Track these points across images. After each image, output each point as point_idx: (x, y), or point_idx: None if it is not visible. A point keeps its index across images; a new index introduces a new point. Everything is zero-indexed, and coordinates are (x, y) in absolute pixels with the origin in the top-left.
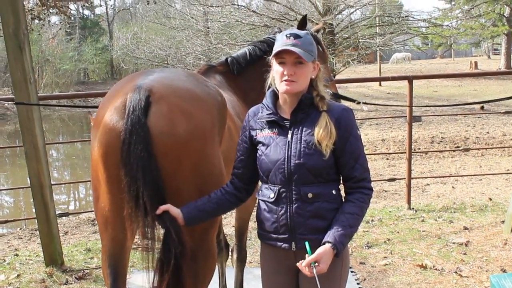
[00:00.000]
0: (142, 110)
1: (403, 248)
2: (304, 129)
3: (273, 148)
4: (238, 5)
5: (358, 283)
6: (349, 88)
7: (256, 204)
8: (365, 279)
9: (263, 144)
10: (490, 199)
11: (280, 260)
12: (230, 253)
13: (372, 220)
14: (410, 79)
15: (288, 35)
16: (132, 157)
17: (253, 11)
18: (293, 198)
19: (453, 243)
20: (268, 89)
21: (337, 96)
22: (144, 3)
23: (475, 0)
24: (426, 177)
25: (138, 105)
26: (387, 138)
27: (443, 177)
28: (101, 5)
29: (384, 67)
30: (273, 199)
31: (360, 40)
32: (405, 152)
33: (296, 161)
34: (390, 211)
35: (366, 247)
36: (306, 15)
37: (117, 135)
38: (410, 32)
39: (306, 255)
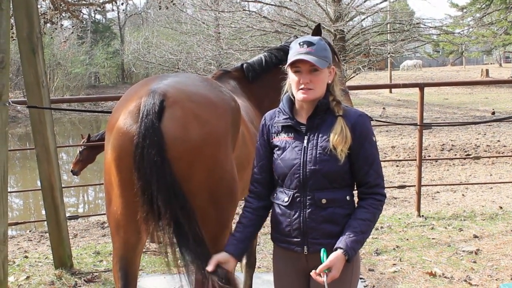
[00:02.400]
0: (156, 115)
1: (412, 255)
2: (320, 135)
3: (289, 152)
4: (249, 10)
5: None
6: (360, 94)
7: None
8: (374, 286)
9: (279, 148)
10: (501, 207)
11: (293, 263)
12: None
13: (382, 227)
14: (421, 86)
15: (301, 43)
16: (146, 161)
17: (264, 17)
18: (307, 203)
19: (463, 251)
20: (285, 94)
21: None
22: (156, 8)
23: (487, 8)
24: (436, 185)
25: (152, 109)
26: (397, 145)
27: (453, 184)
28: (113, 10)
29: (395, 74)
30: (287, 203)
31: (371, 47)
32: (415, 159)
33: (312, 167)
34: (399, 218)
35: (375, 254)
36: (319, 24)
37: (131, 139)
38: (421, 40)
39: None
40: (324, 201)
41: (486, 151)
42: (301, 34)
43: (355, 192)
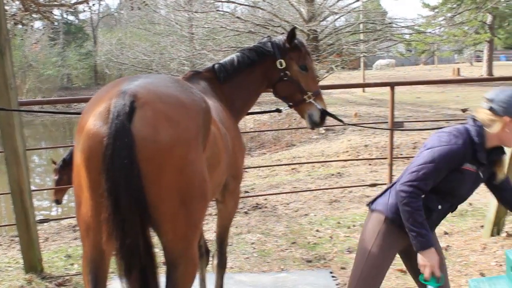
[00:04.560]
0: (127, 116)
1: None
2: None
3: (469, 180)
4: (222, 11)
5: None
6: (333, 94)
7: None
8: (345, 284)
9: (460, 174)
10: (470, 204)
11: (403, 242)
12: (210, 259)
13: (354, 225)
14: (392, 85)
15: None
16: (115, 162)
17: (237, 17)
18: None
19: None
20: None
21: (325, 113)
22: (128, 8)
23: (458, 7)
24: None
25: (123, 110)
26: (370, 144)
27: None
28: (84, 11)
29: (368, 74)
30: (439, 209)
31: (344, 47)
32: (387, 158)
33: (470, 194)
34: None
35: (347, 252)
36: (294, 27)
37: (100, 141)
38: (394, 39)
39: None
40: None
41: None
42: (274, 34)
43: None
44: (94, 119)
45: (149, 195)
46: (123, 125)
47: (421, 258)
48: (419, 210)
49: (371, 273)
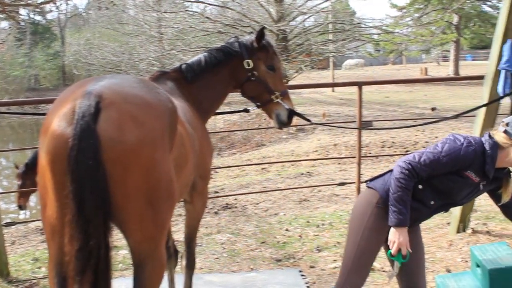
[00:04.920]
0: (92, 116)
1: None
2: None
3: (465, 187)
4: (192, 11)
5: (308, 287)
6: (303, 94)
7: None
8: (315, 283)
9: (461, 178)
10: None
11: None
12: (179, 260)
13: (323, 224)
14: (359, 85)
15: None
16: (80, 164)
17: (207, 17)
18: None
19: None
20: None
21: (292, 113)
22: (96, 8)
23: (425, 8)
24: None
25: (88, 111)
26: (339, 143)
27: None
28: (51, 11)
29: (338, 73)
30: (430, 204)
31: (313, 47)
32: (356, 157)
33: (470, 199)
34: (340, 215)
35: (317, 251)
36: (264, 27)
37: (65, 142)
38: (362, 39)
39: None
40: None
41: (424, 147)
42: (243, 35)
43: None
44: (59, 120)
45: (115, 196)
46: (88, 126)
47: (392, 234)
48: (407, 189)
49: (363, 256)
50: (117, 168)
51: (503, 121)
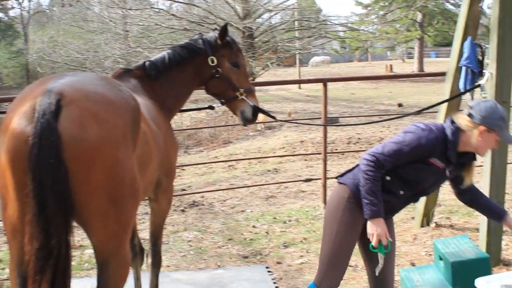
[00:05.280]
0: (53, 114)
1: (319, 246)
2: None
3: (429, 173)
4: (157, 8)
5: (274, 283)
6: (270, 91)
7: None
8: (281, 278)
9: (426, 165)
10: None
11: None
12: (145, 258)
13: (290, 220)
14: (324, 82)
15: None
16: (41, 162)
17: (172, 14)
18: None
19: None
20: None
21: (257, 110)
22: (60, 5)
23: (390, 6)
24: None
25: (48, 109)
26: (306, 140)
27: None
28: (13, 7)
29: (304, 70)
30: (400, 194)
31: (279, 44)
32: (321, 153)
33: (433, 188)
34: (307, 211)
35: (283, 247)
36: (227, 23)
37: (26, 140)
38: (328, 36)
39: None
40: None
41: None
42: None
43: None
44: (19, 118)
45: (77, 195)
46: (49, 124)
47: (370, 226)
48: (375, 180)
49: (339, 252)
50: (79, 167)
51: (468, 104)
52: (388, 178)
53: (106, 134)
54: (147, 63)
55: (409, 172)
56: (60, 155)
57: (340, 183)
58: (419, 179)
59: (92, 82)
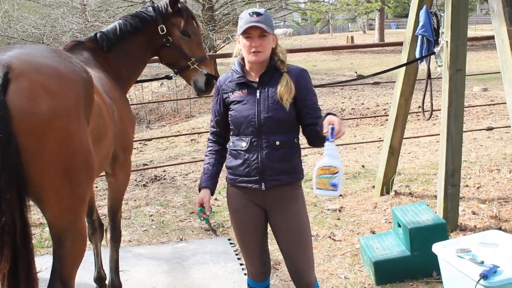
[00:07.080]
0: (1, 88)
1: None
2: (270, 89)
3: (244, 105)
4: None
5: (236, 254)
6: (231, 63)
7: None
8: None
9: (236, 103)
10: (363, 166)
11: (251, 200)
12: (104, 233)
13: None
14: None
15: (251, 14)
16: None
17: None
18: (263, 146)
19: (328, 209)
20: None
21: (211, 78)
22: None
23: None
24: (303, 148)
25: None
26: None
27: (320, 147)
28: None
29: None
30: (245, 148)
31: (239, 16)
32: None
33: (265, 115)
34: None
35: None
36: None
37: None
38: (289, 8)
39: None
40: (277, 143)
41: (351, 114)
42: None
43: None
44: None
45: (29, 170)
46: None
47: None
48: (207, 155)
49: (241, 241)
50: (30, 141)
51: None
52: (231, 143)
53: (57, 107)
54: (98, 34)
55: (231, 122)
56: (9, 129)
57: None
58: (238, 119)
59: (42, 55)
